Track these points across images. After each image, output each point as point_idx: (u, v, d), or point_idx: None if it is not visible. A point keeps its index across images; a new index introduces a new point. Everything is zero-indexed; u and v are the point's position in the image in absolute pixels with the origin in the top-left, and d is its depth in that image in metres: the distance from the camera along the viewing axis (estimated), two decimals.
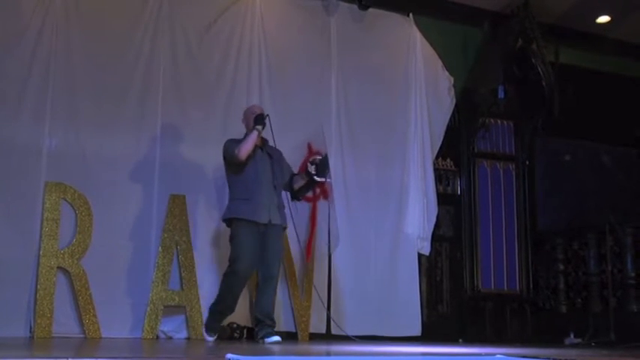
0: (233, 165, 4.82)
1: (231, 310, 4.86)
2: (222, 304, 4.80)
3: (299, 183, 5.04)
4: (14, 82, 5.03)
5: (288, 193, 5.10)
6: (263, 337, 4.66)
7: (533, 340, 6.46)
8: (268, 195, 4.79)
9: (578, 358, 3.50)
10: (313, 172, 4.93)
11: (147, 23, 5.49)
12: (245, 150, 4.71)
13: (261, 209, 4.73)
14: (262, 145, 4.91)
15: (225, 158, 4.87)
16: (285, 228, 4.94)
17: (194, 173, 5.44)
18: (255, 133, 4.77)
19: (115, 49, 5.37)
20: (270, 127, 4.86)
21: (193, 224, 5.35)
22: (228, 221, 4.82)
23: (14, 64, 5.05)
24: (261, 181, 4.79)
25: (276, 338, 4.66)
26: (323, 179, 5.05)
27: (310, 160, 5.01)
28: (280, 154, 5.02)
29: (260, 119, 4.82)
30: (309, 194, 5.51)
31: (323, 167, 5.02)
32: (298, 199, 5.19)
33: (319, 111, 5.96)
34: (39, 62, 5.11)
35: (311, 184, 5.06)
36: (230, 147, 4.81)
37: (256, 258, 4.74)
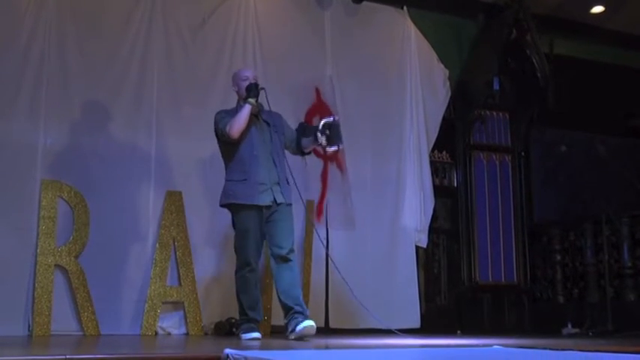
0: (224, 142, 4.43)
1: (256, 301, 4.42)
2: (245, 298, 4.38)
3: (309, 147, 4.58)
4: (8, 80, 5.01)
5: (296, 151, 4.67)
6: (293, 329, 4.15)
7: (531, 330, 6.49)
8: (268, 172, 4.34)
9: (575, 348, 3.51)
10: (325, 144, 4.43)
11: (140, 19, 5.48)
12: (237, 128, 4.28)
13: (261, 190, 4.30)
14: (257, 112, 4.43)
15: (216, 133, 4.46)
16: (289, 205, 4.47)
17: (190, 169, 5.44)
18: (247, 108, 4.31)
19: (109, 46, 5.36)
20: (267, 98, 4.44)
21: (190, 220, 5.34)
22: (227, 206, 4.45)
23: (8, 62, 5.03)
24: (258, 156, 4.34)
25: (309, 323, 4.11)
26: (335, 148, 4.53)
27: (320, 128, 4.43)
28: (279, 118, 4.57)
29: (253, 89, 4.35)
30: (318, 149, 5.00)
31: (335, 136, 4.45)
32: (307, 154, 4.76)
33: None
34: (33, 60, 5.09)
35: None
36: (221, 122, 4.37)
37: (261, 244, 4.40)
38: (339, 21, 6.20)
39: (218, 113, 4.48)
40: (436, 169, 6.60)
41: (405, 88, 6.34)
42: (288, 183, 4.46)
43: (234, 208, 4.39)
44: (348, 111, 6.10)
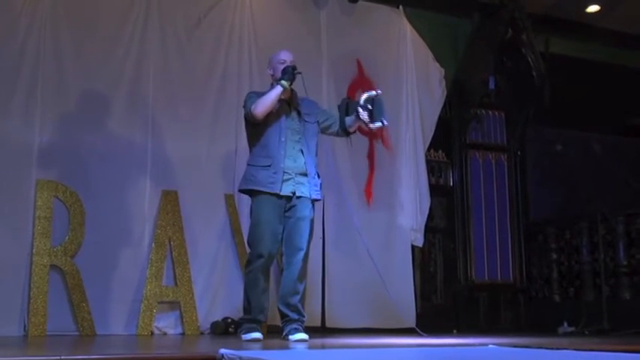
0: (250, 123, 4.18)
1: (261, 302, 4.20)
2: (250, 297, 4.17)
3: (353, 125, 4.30)
4: (3, 79, 4.99)
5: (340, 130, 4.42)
6: (287, 335, 4.10)
7: (527, 329, 6.50)
8: (293, 161, 4.12)
9: (570, 347, 3.52)
10: (367, 120, 4.16)
11: (136, 19, 5.46)
12: (262, 108, 4.02)
13: (283, 179, 4.07)
14: (290, 99, 4.19)
15: (245, 114, 4.24)
16: (315, 200, 4.24)
17: (186, 168, 5.43)
18: (278, 89, 4.06)
19: (105, 44, 5.34)
20: (304, 84, 4.21)
21: (186, 220, 5.34)
22: (247, 192, 4.21)
23: (3, 61, 5.01)
24: (285, 143, 4.10)
25: (302, 336, 4.01)
26: (379, 125, 4.22)
27: (361, 103, 4.18)
28: (313, 105, 4.35)
29: (289, 72, 4.09)
30: (362, 126, 4.65)
31: (378, 111, 4.17)
32: (352, 133, 4.48)
33: None
34: (28, 59, 5.07)
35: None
36: (249, 101, 4.12)
37: (280, 236, 4.14)
38: (334, 20, 6.20)
39: (249, 93, 4.30)
40: (432, 168, 6.60)
41: (401, 88, 6.34)
42: (318, 176, 4.24)
43: (254, 196, 4.15)
44: None
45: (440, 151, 6.70)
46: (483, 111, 6.86)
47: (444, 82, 6.55)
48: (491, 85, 6.63)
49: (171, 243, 5.26)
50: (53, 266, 4.92)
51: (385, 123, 4.22)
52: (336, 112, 4.46)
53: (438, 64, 6.54)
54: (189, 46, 5.62)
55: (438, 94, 6.53)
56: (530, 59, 6.78)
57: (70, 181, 5.06)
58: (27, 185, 4.96)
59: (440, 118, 6.53)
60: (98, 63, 5.29)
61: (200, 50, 5.65)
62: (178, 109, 5.50)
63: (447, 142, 6.74)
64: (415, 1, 6.62)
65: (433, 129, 6.47)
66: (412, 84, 6.37)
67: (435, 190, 6.44)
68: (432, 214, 6.40)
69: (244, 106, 4.25)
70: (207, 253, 5.40)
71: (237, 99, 5.32)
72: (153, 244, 5.21)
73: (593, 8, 7.24)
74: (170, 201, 5.31)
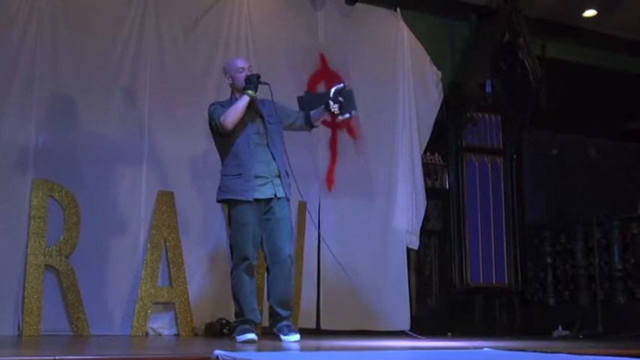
0: (219, 134, 4.30)
1: (251, 303, 4.27)
2: (242, 300, 4.23)
3: (320, 119, 4.45)
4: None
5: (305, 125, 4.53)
6: (279, 332, 4.20)
7: (521, 332, 6.50)
8: (266, 165, 4.22)
9: (564, 350, 3.53)
10: (337, 112, 4.25)
11: (133, 18, 5.46)
12: (232, 119, 4.14)
13: (260, 184, 4.18)
14: (252, 105, 4.26)
15: (210, 126, 4.34)
16: (288, 200, 4.34)
17: (182, 169, 5.43)
18: (245, 99, 4.17)
19: (101, 45, 5.34)
20: (271, 93, 4.31)
21: (182, 221, 5.33)
22: (224, 202, 4.34)
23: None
24: (255, 150, 4.21)
25: (295, 337, 4.12)
26: (348, 116, 4.34)
27: (331, 96, 4.27)
28: (272, 105, 4.37)
29: (254, 81, 4.20)
30: (327, 118, 4.82)
31: (348, 102, 4.27)
32: (315, 127, 4.60)
33: None
34: (24, 60, 5.06)
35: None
36: (215, 113, 4.23)
37: (259, 240, 4.23)
38: (332, 22, 6.20)
39: (212, 104, 4.36)
40: (428, 170, 6.60)
41: (398, 90, 6.34)
42: (287, 175, 4.32)
43: (231, 203, 4.26)
44: None
45: (436, 154, 6.70)
46: (480, 114, 6.87)
47: (440, 85, 6.56)
48: (488, 89, 6.64)
49: (167, 244, 5.26)
50: (48, 266, 4.91)
51: (354, 114, 4.36)
52: (295, 107, 4.55)
53: (435, 67, 6.55)
54: (186, 47, 5.61)
55: (434, 96, 6.53)
56: (526, 63, 6.80)
57: (66, 180, 5.05)
58: (22, 184, 4.95)
59: (436, 120, 6.53)
60: (95, 62, 5.28)
61: (197, 51, 5.65)
62: (175, 109, 5.49)
63: (444, 145, 6.75)
64: (413, 4, 6.63)
65: (430, 132, 6.47)
66: (409, 86, 6.37)
67: (430, 192, 6.45)
68: (427, 217, 6.39)
69: (210, 118, 4.31)
70: (202, 254, 5.39)
71: None
72: (148, 245, 5.20)
73: (590, 13, 7.27)
74: (166, 202, 5.30)
